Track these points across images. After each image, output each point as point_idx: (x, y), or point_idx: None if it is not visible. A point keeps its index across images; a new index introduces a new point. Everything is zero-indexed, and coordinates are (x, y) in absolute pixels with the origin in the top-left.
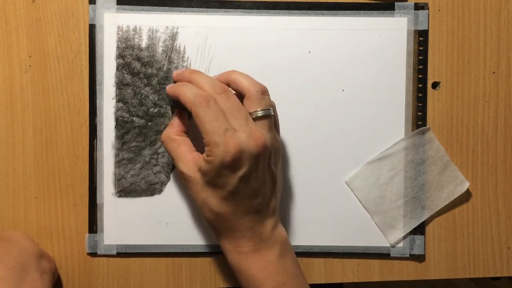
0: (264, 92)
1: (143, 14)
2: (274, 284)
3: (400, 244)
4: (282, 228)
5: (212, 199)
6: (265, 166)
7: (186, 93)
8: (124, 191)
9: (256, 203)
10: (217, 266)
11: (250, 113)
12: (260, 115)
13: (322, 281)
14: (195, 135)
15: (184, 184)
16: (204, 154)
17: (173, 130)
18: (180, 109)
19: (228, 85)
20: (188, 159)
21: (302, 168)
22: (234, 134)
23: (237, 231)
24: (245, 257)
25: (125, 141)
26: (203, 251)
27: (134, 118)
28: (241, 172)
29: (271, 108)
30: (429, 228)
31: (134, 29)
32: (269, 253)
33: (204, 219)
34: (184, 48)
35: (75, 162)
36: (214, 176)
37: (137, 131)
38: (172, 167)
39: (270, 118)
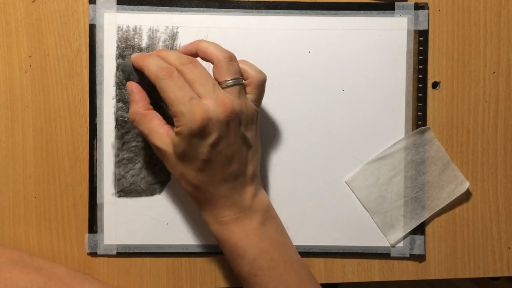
0: (231, 58)
1: (143, 14)
2: (257, 251)
3: (400, 244)
4: (264, 196)
5: (187, 172)
6: (236, 132)
7: (150, 65)
8: (124, 191)
9: (232, 170)
10: (217, 266)
11: (219, 82)
12: (230, 84)
13: (322, 281)
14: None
15: (161, 159)
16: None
17: (139, 105)
18: (140, 84)
19: (196, 55)
20: (162, 132)
21: (302, 168)
22: (199, 102)
23: (216, 201)
24: (227, 227)
25: (125, 141)
26: (203, 251)
27: None
28: (211, 139)
29: (240, 77)
30: (429, 228)
31: (134, 29)
32: (251, 222)
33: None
34: None
35: (75, 162)
36: (186, 147)
37: (137, 131)
38: None
39: (240, 86)
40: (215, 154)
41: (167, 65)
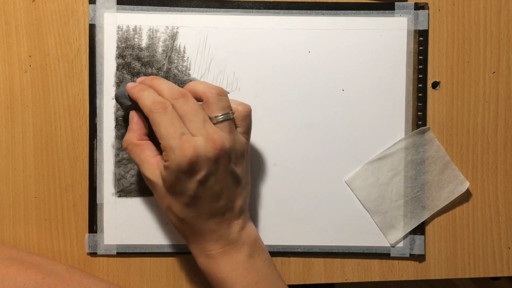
0: (220, 93)
1: (143, 14)
2: (245, 284)
3: (400, 244)
4: (251, 228)
5: (175, 205)
6: (225, 169)
7: (145, 99)
8: (124, 191)
9: (219, 206)
10: None
11: (210, 118)
12: (221, 119)
13: (322, 281)
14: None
15: (151, 189)
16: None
17: (134, 134)
18: (138, 111)
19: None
20: (152, 163)
21: (302, 168)
22: (190, 138)
23: (203, 235)
24: (213, 260)
25: None
26: None
27: None
28: (199, 176)
29: (230, 111)
30: (429, 228)
31: (134, 29)
32: (238, 254)
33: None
34: (184, 48)
35: (75, 162)
36: (173, 182)
37: None
38: None
39: (230, 121)
40: (203, 191)
41: (162, 99)
